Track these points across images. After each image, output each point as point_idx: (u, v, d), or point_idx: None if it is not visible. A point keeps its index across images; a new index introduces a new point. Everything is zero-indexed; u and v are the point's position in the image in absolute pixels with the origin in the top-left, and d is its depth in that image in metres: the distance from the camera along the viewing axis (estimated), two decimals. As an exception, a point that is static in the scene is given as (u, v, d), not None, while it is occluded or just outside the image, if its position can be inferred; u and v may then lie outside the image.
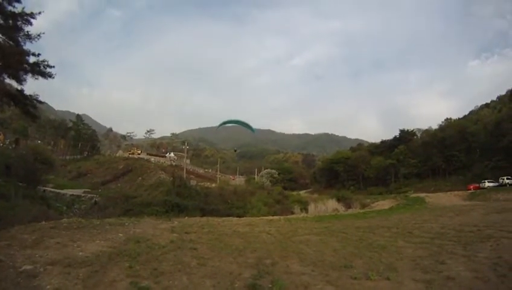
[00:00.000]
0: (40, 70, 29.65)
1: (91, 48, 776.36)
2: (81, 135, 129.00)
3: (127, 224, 19.10)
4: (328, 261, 11.90)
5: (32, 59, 29.50)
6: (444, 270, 10.28)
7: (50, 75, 30.15)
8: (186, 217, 28.63)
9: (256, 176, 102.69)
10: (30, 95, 30.95)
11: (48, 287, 7.81)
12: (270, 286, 8.90)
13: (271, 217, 33.71)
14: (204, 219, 27.85)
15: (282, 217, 34.60)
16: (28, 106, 31.13)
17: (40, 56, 29.79)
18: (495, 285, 8.92)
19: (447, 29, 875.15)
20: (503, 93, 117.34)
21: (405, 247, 14.34)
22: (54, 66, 30.20)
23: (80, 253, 10.74)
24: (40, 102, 32.20)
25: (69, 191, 60.11)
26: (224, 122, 31.39)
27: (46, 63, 29.89)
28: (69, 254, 10.43)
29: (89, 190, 65.16)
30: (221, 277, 9.65)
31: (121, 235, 14.86)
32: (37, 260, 9.34)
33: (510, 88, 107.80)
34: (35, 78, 29.69)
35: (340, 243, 16.10)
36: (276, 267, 10.94)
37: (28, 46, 29.34)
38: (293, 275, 10.06)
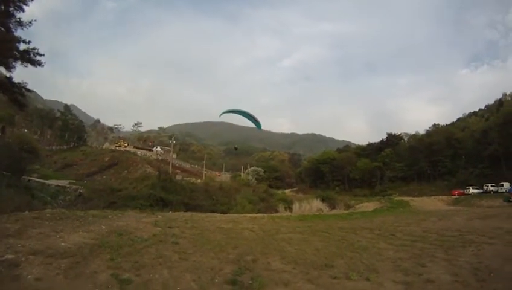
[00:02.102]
0: (29, 58, 29.54)
1: (83, 38, 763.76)
2: (68, 125, 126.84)
3: (110, 217, 19.12)
4: (310, 260, 11.95)
5: (22, 46, 29.39)
6: (424, 273, 10.31)
7: (40, 64, 30.05)
8: (170, 212, 28.75)
9: (242, 173, 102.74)
10: (18, 83, 30.76)
11: (29, 277, 7.83)
12: (250, 282, 8.98)
13: (255, 215, 33.71)
14: (188, 214, 27.90)
15: (266, 215, 34.72)
16: (16, 93, 30.97)
17: (30, 44, 29.68)
18: (475, 289, 8.99)
19: (439, 36, 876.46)
20: (492, 102, 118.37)
21: (386, 249, 14.42)
22: (44, 55, 30.14)
23: (62, 244, 10.76)
24: (29, 90, 32.05)
25: (54, 182, 59.47)
26: (229, 111, 28.90)
27: (36, 50, 29.81)
28: (51, 244, 10.46)
29: (74, 181, 64.47)
30: (202, 271, 9.74)
31: (103, 227, 14.88)
32: (19, 250, 9.34)
33: (498, 98, 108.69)
34: (25, 66, 29.55)
35: (322, 242, 16.25)
36: (257, 264, 11.04)
37: (18, 32, 29.22)
38: (274, 272, 10.15)
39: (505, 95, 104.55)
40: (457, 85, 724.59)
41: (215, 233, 17.31)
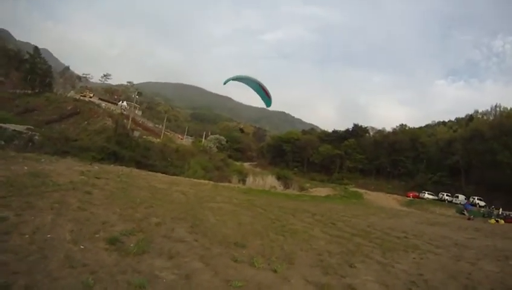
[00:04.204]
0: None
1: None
2: (35, 69, 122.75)
3: (43, 160, 18.61)
4: (223, 235, 10.59)
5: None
6: (348, 276, 8.44)
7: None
8: (113, 165, 28.26)
9: (203, 139, 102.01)
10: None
11: None
12: (132, 245, 7.68)
13: (198, 181, 33.11)
14: (128, 169, 27.23)
15: (211, 182, 34.54)
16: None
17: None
18: None
19: (424, 44, 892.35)
20: (462, 116, 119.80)
21: (319, 237, 13.16)
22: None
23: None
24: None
25: (11, 126, 58.20)
26: (237, 78, 22.47)
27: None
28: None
29: (32, 128, 63.14)
30: (90, 224, 8.81)
31: (26, 168, 14.47)
32: None
33: (470, 113, 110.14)
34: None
35: (251, 218, 15.30)
36: (158, 228, 9.87)
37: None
38: (169, 241, 8.85)
39: (476, 112, 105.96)
40: (431, 93, 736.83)
41: (141, 190, 16.61)
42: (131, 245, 7.59)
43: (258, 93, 23.29)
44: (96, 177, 16.93)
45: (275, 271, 7.79)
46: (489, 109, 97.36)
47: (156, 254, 7.46)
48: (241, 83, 21.70)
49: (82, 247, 6.98)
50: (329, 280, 7.84)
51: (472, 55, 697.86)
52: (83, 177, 16.05)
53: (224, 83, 21.31)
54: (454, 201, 68.55)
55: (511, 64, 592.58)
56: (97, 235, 7.97)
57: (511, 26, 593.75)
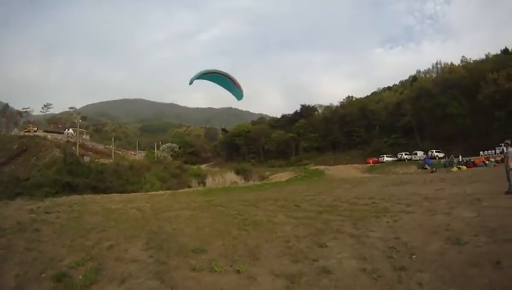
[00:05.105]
0: None
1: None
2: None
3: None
4: (179, 244, 9.79)
5: None
6: (321, 258, 7.65)
7: None
8: (64, 197, 27.72)
9: (156, 151, 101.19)
10: None
11: None
12: (80, 277, 6.95)
13: (155, 193, 32.91)
14: (79, 197, 26.74)
15: (168, 191, 34.31)
16: None
17: None
18: (389, 285, 6.09)
19: (356, 16, 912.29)
20: (406, 78, 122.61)
21: (284, 223, 12.44)
22: None
23: None
24: None
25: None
26: (202, 75, 20.60)
27: None
28: None
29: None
30: (37, 263, 8.14)
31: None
32: None
33: (413, 74, 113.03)
34: None
35: (211, 219, 14.41)
36: (110, 252, 9.15)
37: None
38: (121, 263, 8.15)
39: (419, 71, 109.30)
40: (372, 63, 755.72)
41: (94, 216, 15.93)
42: (80, 277, 6.97)
43: (227, 87, 21.90)
44: (47, 213, 16.40)
45: (239, 272, 7.06)
46: (431, 68, 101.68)
47: (107, 281, 6.83)
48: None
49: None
50: (301, 268, 7.11)
51: (406, 20, 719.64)
52: (32, 215, 15.53)
53: (190, 83, 19.47)
54: (413, 158, 71.15)
55: (445, 23, 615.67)
56: (43, 275, 7.36)
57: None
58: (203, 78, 20.27)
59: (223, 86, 21.24)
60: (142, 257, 8.53)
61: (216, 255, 8.28)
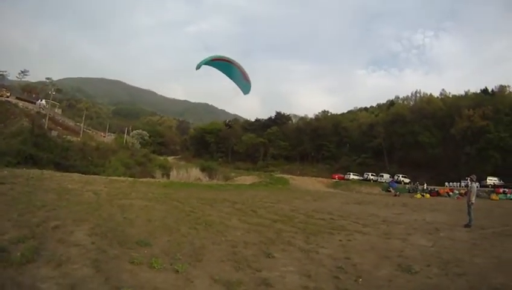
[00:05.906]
0: None
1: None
2: None
3: None
4: (125, 234, 9.48)
5: None
6: (264, 269, 7.34)
7: None
8: (24, 169, 27.24)
9: (126, 135, 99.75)
10: None
11: None
12: (18, 254, 6.54)
13: (117, 178, 32.42)
14: (38, 172, 26.06)
15: (130, 178, 33.92)
16: None
17: None
18: None
19: (345, 34, 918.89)
20: (383, 102, 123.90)
21: (236, 227, 12.18)
22: None
23: None
24: None
25: None
26: (210, 60, 17.18)
27: None
28: None
29: None
30: None
31: None
32: None
33: (391, 99, 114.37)
34: None
35: (165, 212, 14.24)
36: (54, 232, 8.78)
37: None
38: (63, 245, 7.76)
39: (397, 97, 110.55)
40: (352, 82, 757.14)
41: (48, 193, 15.56)
42: (18, 254, 6.58)
43: (235, 78, 19.21)
44: (1, 183, 16.09)
45: (177, 271, 6.73)
46: (409, 95, 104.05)
47: (44, 262, 6.45)
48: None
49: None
50: (241, 276, 6.80)
51: (393, 47, 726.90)
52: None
53: (197, 68, 17.70)
54: (379, 180, 71.81)
55: (431, 55, 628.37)
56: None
57: (431, 21, 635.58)
58: (211, 65, 18.96)
59: (230, 77, 20.22)
60: (84, 242, 8.25)
61: (159, 251, 8.05)
